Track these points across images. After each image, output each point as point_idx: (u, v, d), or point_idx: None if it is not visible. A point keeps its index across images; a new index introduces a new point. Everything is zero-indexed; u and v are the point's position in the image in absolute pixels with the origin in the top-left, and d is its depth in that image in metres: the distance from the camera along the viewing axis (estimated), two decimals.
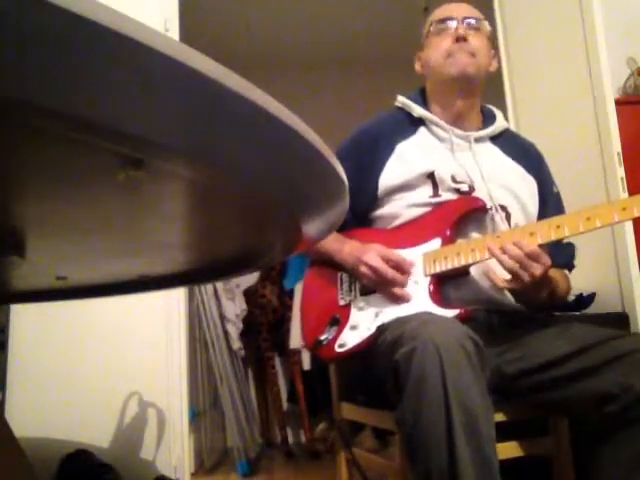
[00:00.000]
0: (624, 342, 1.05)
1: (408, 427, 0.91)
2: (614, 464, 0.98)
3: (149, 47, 0.32)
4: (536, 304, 1.17)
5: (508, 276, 1.08)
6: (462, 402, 0.86)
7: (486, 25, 1.33)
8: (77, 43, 0.29)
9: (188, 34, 2.33)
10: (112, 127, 0.34)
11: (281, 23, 3.52)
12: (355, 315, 1.21)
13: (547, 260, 1.07)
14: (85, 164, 0.44)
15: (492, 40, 1.41)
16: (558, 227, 1.07)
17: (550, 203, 1.31)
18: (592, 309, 1.95)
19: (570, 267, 1.32)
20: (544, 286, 1.14)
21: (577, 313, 1.91)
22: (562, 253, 1.29)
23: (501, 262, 1.07)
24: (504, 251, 1.06)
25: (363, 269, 1.18)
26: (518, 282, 1.07)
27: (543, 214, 1.28)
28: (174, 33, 2.27)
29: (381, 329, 1.12)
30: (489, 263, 1.14)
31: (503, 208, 1.25)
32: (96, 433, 2.03)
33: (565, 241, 1.32)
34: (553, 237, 1.07)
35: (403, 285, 1.17)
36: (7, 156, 0.41)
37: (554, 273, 1.20)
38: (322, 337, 1.21)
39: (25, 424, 1.92)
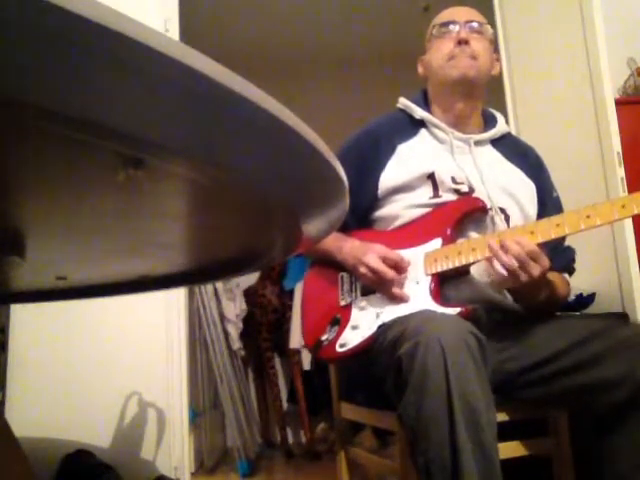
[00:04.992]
0: (622, 331, 1.06)
1: (410, 420, 0.91)
2: (622, 452, 0.99)
3: (149, 47, 0.32)
4: (534, 307, 1.17)
5: (505, 274, 1.08)
6: (464, 396, 0.87)
7: (489, 29, 1.33)
8: (77, 43, 0.29)
9: (188, 34, 2.33)
10: (112, 127, 0.34)
11: (281, 23, 3.52)
12: (356, 315, 1.21)
13: (546, 261, 1.07)
14: (85, 164, 0.44)
15: (495, 43, 1.41)
16: (558, 225, 1.07)
17: (549, 207, 1.31)
18: (592, 309, 1.95)
19: (570, 271, 1.32)
20: (542, 288, 1.14)
21: (577, 313, 1.91)
22: (561, 257, 1.29)
23: (500, 260, 1.07)
24: (505, 248, 1.06)
25: (363, 270, 1.18)
26: (516, 281, 1.07)
27: (542, 218, 1.28)
28: (174, 33, 2.27)
29: (382, 328, 1.12)
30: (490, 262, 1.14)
31: (502, 211, 1.25)
32: (96, 433, 2.04)
33: (564, 245, 1.32)
34: (553, 235, 1.07)
35: (402, 285, 1.18)
36: (7, 156, 0.41)
37: (552, 277, 1.20)
38: (323, 337, 1.21)
39: (25, 424, 1.92)
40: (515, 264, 1.05)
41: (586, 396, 1.04)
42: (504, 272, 1.07)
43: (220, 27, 3.45)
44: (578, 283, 1.67)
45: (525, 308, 1.19)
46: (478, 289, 1.18)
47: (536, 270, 1.05)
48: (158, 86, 0.34)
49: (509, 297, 1.22)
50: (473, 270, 1.19)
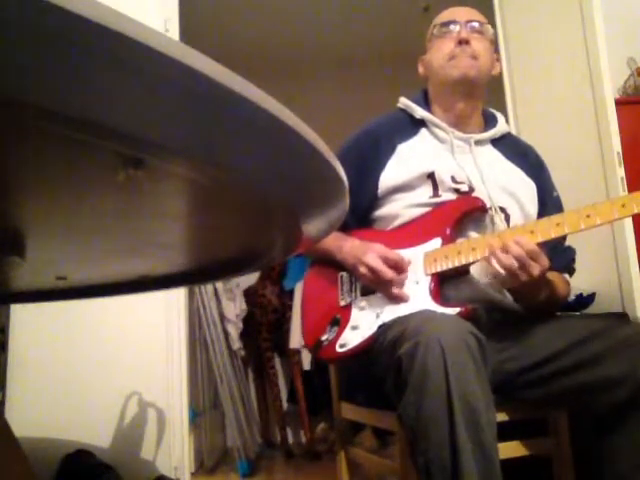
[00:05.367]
0: (622, 331, 1.06)
1: (410, 420, 0.91)
2: (623, 452, 0.99)
3: (149, 47, 0.32)
4: (535, 306, 1.18)
5: (503, 274, 1.08)
6: (464, 396, 0.87)
7: (489, 29, 1.33)
8: (77, 43, 0.29)
9: (188, 34, 2.33)
10: (112, 127, 0.34)
11: (281, 23, 3.52)
12: (356, 315, 1.21)
13: (545, 261, 1.07)
14: (85, 164, 0.44)
15: (495, 44, 1.41)
16: (558, 225, 1.07)
17: (549, 206, 1.31)
18: (592, 309, 1.95)
19: (570, 271, 1.32)
20: (542, 287, 1.14)
21: (577, 313, 1.91)
22: (561, 257, 1.29)
23: (500, 260, 1.07)
24: (505, 249, 1.06)
25: (362, 270, 1.18)
26: (516, 281, 1.07)
27: (542, 217, 1.28)
28: (174, 33, 2.27)
29: (383, 328, 1.12)
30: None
31: (502, 210, 1.25)
32: (96, 433, 2.03)
33: (564, 245, 1.32)
34: (553, 235, 1.07)
35: (402, 285, 1.18)
36: (7, 156, 0.41)
37: (552, 277, 1.20)
38: (323, 337, 1.21)
39: (25, 424, 1.92)
40: (515, 264, 1.05)
41: (586, 396, 1.04)
42: (503, 272, 1.07)
43: (220, 27, 3.45)
44: (578, 283, 1.67)
45: (525, 308, 1.19)
46: (478, 289, 1.18)
47: (536, 270, 1.05)
48: (158, 86, 0.34)
49: (509, 297, 1.22)
50: (473, 270, 1.19)
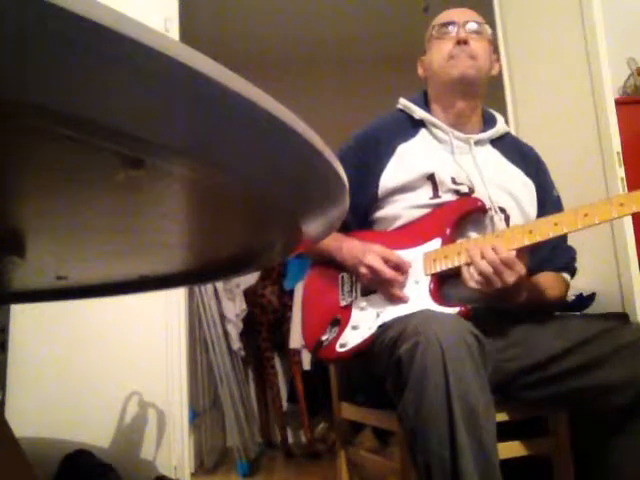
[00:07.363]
0: (623, 334, 1.05)
1: (410, 420, 0.91)
2: (627, 456, 0.99)
3: (149, 47, 0.32)
4: (513, 307, 1.17)
5: (478, 279, 1.08)
6: (463, 396, 0.87)
7: (487, 29, 1.34)
8: (77, 43, 0.29)
9: (188, 34, 2.33)
10: (112, 127, 0.34)
11: (281, 23, 3.52)
12: (356, 315, 1.21)
13: (522, 269, 1.07)
14: (85, 164, 0.44)
15: (494, 44, 1.41)
16: (556, 224, 1.07)
17: (549, 207, 1.32)
18: (592, 309, 1.95)
19: (571, 270, 1.32)
20: (519, 292, 1.13)
21: (577, 313, 1.91)
22: (562, 257, 1.29)
23: (475, 264, 1.07)
24: (482, 254, 1.07)
25: (363, 270, 1.19)
26: (489, 286, 1.07)
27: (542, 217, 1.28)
28: (174, 33, 2.27)
29: (383, 328, 1.12)
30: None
31: (502, 210, 1.25)
32: (96, 433, 2.04)
33: (565, 245, 1.33)
34: (551, 234, 1.07)
35: (402, 286, 1.18)
36: (7, 156, 0.41)
37: (544, 278, 1.20)
38: (323, 337, 1.21)
39: (25, 424, 1.92)
40: (490, 270, 1.06)
41: (587, 399, 1.04)
42: (478, 277, 1.08)
43: (220, 27, 3.45)
44: (578, 283, 1.67)
45: (502, 306, 1.19)
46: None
47: (511, 277, 1.06)
48: (158, 86, 0.34)
49: None
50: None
